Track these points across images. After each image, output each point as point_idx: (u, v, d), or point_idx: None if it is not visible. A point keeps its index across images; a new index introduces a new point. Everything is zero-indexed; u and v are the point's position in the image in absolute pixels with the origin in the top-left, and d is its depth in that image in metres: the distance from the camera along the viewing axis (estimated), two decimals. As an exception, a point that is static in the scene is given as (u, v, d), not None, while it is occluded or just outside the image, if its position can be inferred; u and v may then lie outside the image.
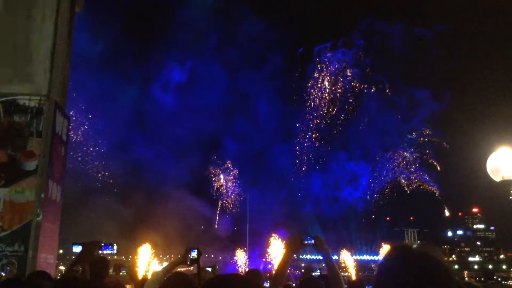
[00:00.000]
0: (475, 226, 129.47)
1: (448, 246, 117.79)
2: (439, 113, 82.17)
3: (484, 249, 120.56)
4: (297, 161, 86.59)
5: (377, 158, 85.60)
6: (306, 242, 4.12)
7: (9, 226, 8.54)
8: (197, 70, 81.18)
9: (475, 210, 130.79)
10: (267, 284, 13.11)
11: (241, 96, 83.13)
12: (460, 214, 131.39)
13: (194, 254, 5.11)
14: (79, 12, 11.28)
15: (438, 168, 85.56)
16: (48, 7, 9.79)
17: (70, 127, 10.98)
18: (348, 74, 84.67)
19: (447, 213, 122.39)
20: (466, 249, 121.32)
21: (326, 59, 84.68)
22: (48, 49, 9.63)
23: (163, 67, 79.07)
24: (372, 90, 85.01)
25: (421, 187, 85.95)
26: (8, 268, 6.80)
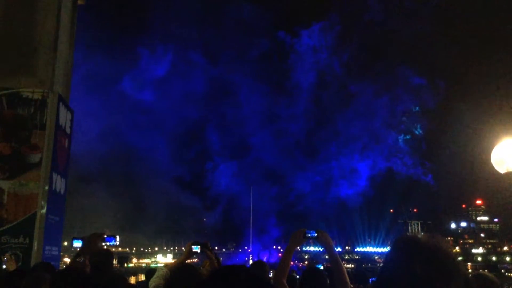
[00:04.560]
0: (478, 218, 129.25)
1: (452, 238, 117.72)
2: (439, 102, 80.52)
3: (488, 241, 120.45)
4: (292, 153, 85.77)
5: (372, 149, 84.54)
6: (308, 235, 4.12)
7: (14, 218, 8.59)
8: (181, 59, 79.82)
9: (478, 202, 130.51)
10: (270, 275, 13.16)
11: (227, 85, 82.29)
12: (463, 206, 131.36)
13: (196, 250, 5.10)
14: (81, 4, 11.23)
15: (435, 159, 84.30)
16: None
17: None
18: (331, 56, 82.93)
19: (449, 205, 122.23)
20: (470, 241, 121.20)
21: (306, 42, 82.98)
22: (51, 41, 9.60)
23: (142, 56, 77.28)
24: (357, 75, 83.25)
25: (421, 178, 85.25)
26: (5, 258, 6.78)
